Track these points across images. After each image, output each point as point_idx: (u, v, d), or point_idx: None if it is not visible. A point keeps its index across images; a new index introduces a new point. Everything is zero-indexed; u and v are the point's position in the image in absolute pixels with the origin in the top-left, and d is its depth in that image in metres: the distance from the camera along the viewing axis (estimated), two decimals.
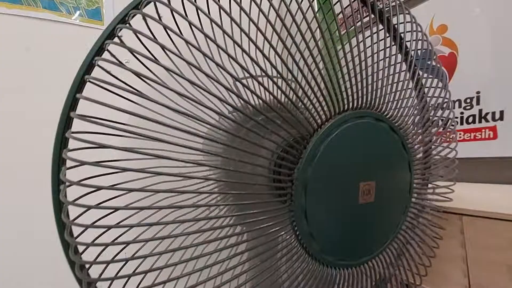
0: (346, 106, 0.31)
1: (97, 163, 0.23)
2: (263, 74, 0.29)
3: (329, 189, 0.29)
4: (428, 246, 0.39)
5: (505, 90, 0.69)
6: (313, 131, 0.29)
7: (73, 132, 0.28)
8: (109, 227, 0.26)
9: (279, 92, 0.28)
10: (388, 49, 0.34)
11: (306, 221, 0.28)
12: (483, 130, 0.74)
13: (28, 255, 0.58)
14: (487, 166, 0.72)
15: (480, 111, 0.74)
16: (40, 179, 0.58)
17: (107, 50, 0.32)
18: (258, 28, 0.28)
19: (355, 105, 0.32)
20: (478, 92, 0.74)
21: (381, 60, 0.34)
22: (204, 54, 0.27)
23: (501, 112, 0.72)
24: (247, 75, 0.29)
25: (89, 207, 0.26)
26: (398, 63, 0.35)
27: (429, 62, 0.46)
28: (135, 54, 0.27)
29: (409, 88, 0.36)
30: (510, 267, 0.48)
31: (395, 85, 0.34)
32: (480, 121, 0.75)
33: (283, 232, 0.28)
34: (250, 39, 0.26)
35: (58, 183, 0.27)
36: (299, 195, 0.28)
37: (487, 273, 0.51)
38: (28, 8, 0.71)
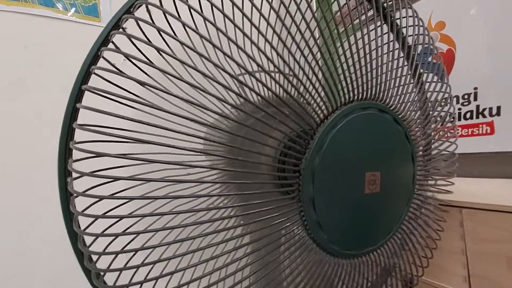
0: (351, 98, 0.32)
1: (118, 155, 0.23)
2: (274, 66, 0.29)
3: (336, 179, 0.30)
4: (430, 237, 0.40)
5: (502, 86, 0.70)
6: (320, 122, 0.30)
7: (79, 124, 0.28)
8: (120, 217, 0.26)
9: (287, 84, 0.28)
10: (392, 43, 0.35)
11: (314, 210, 0.28)
12: (481, 126, 0.75)
13: (27, 254, 0.57)
14: (484, 161, 0.73)
15: (478, 106, 0.75)
16: (37, 178, 0.58)
17: (112, 41, 0.32)
18: (262, 15, 0.29)
19: (360, 96, 0.32)
20: (475, 88, 0.75)
21: (385, 53, 0.34)
22: (211, 43, 0.27)
23: (498, 108, 0.73)
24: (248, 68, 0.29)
25: (101, 198, 0.26)
26: (402, 57, 0.36)
27: (430, 58, 0.47)
28: (136, 44, 0.27)
29: (412, 83, 0.36)
30: (509, 258, 0.49)
31: (398, 78, 0.35)
32: (477, 117, 0.76)
33: (290, 222, 0.28)
34: (255, 26, 0.26)
35: (65, 175, 0.27)
36: (307, 184, 0.28)
37: (486, 264, 0.52)
38: (25, 5, 0.70)
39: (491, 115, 0.74)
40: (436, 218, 0.39)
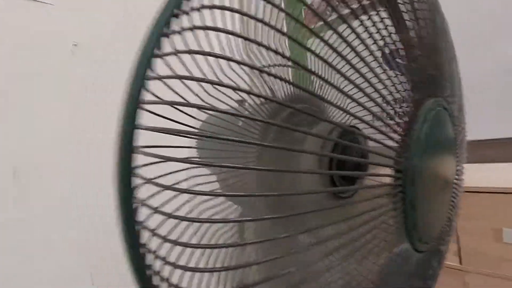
0: (429, 92, 0.31)
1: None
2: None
3: (428, 177, 0.29)
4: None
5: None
6: (414, 115, 0.28)
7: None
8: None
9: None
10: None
11: (414, 213, 0.27)
12: None
13: (27, 254, 0.55)
14: None
15: None
16: (37, 178, 0.52)
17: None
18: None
19: (434, 92, 0.32)
20: None
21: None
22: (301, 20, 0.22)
23: None
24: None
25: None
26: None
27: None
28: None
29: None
30: (495, 230, 0.58)
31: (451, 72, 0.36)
32: None
33: (396, 233, 0.27)
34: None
35: (131, 150, 0.18)
36: (409, 186, 0.27)
37: (475, 237, 0.61)
38: None
39: None
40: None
